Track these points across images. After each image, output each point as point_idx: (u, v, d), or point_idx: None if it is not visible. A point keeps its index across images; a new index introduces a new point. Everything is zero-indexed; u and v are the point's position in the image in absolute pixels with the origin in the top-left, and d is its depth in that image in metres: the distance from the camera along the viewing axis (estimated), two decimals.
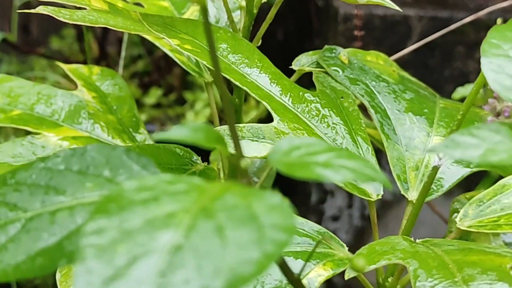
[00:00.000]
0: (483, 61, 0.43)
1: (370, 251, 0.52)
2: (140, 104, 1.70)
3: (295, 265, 0.55)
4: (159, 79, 1.71)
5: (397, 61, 1.52)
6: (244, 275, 0.29)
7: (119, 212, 0.31)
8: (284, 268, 0.41)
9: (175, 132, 0.35)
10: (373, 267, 0.51)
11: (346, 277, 0.51)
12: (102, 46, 1.73)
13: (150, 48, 1.75)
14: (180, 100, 1.68)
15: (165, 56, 1.75)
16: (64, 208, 0.39)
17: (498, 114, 0.89)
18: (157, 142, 0.74)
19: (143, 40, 1.75)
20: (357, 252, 0.52)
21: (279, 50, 1.98)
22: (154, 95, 1.64)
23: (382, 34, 1.61)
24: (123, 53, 1.18)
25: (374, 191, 0.62)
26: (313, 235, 0.57)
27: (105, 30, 1.75)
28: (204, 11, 0.38)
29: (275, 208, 0.32)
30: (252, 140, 0.60)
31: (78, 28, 1.69)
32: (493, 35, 0.45)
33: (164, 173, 0.36)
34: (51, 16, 0.68)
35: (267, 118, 0.65)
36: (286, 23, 1.79)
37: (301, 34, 1.78)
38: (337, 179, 0.35)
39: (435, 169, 0.61)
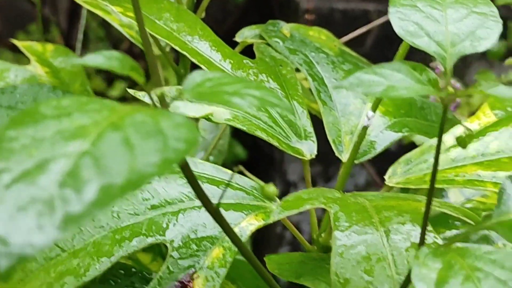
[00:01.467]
0: (391, 9, 0.46)
1: (296, 198, 0.55)
2: (105, 97, 1.73)
3: (229, 215, 0.57)
4: None
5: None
6: (144, 175, 0.32)
7: (33, 124, 0.34)
8: (204, 199, 0.43)
9: (90, 59, 0.37)
10: (295, 211, 0.53)
11: (271, 221, 0.54)
12: (67, 41, 1.75)
13: (115, 42, 1.78)
14: None
15: (130, 50, 1.77)
16: None
17: None
18: None
19: (108, 35, 1.77)
20: (283, 198, 0.55)
21: None
22: (118, 88, 1.66)
23: (342, 28, 1.64)
24: (80, 36, 1.20)
25: (308, 151, 0.65)
26: (247, 189, 0.60)
27: (71, 26, 1.78)
28: None
29: (181, 125, 0.35)
30: (191, 102, 0.63)
31: (44, 23, 1.71)
32: None
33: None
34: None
35: None
36: (250, 17, 1.82)
37: (265, 10, 1.80)
38: (243, 104, 0.38)
39: (365, 129, 0.64)
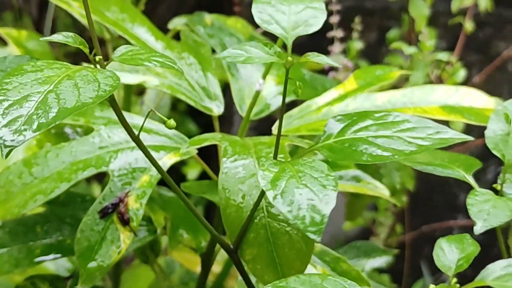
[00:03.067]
0: (253, 5, 0.69)
1: (199, 139, 0.78)
2: None
3: (155, 155, 0.80)
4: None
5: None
6: (85, 104, 0.55)
7: (20, 75, 0.56)
8: (128, 130, 0.66)
9: (54, 36, 0.60)
10: (198, 146, 0.76)
11: (181, 151, 0.77)
12: (38, 28, 1.96)
13: (80, 29, 2.00)
14: None
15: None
16: None
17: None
18: None
19: (75, 23, 1.99)
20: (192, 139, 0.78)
21: None
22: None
23: None
24: (49, 23, 1.42)
25: (216, 109, 0.88)
26: (170, 136, 0.83)
27: (41, 15, 1.99)
28: None
29: (109, 77, 0.58)
30: (131, 73, 0.86)
31: (17, 12, 1.92)
32: None
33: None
34: None
35: None
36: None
37: (211, 7, 2.03)
38: (150, 65, 0.61)
39: (257, 92, 0.87)
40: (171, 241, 0.88)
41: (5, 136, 0.52)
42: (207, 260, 0.92)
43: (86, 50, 0.62)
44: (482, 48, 1.76)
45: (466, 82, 1.36)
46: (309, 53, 0.66)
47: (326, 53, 1.18)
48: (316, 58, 0.66)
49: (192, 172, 1.92)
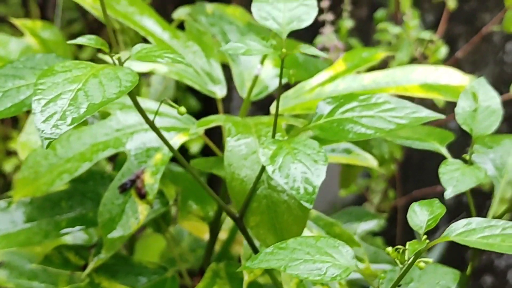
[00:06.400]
0: (253, 4, 0.78)
1: (208, 120, 0.87)
2: (76, 59, 2.04)
3: (166, 133, 0.90)
4: None
5: None
6: (110, 99, 0.64)
7: (52, 75, 0.66)
8: (144, 116, 0.76)
9: (79, 40, 0.69)
10: (206, 126, 0.86)
11: (193, 136, 0.87)
12: (43, 11, 2.05)
13: (84, 12, 2.09)
14: None
15: (96, 20, 2.08)
16: (24, 85, 0.74)
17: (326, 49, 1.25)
18: None
19: (78, 6, 2.08)
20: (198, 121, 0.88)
21: None
22: (87, 51, 1.97)
23: None
24: (58, 11, 1.51)
25: (220, 92, 0.98)
26: (179, 118, 0.93)
27: None
28: None
29: (129, 73, 0.68)
30: (141, 62, 0.95)
31: None
32: None
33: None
34: None
35: None
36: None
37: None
38: (162, 61, 0.70)
39: (256, 76, 0.97)
40: (181, 211, 0.98)
41: (45, 130, 0.62)
42: (214, 227, 1.02)
43: (107, 50, 0.71)
44: (467, 20, 1.84)
45: (452, 55, 1.46)
46: (301, 45, 0.75)
47: (318, 33, 1.28)
48: (307, 50, 0.75)
49: (194, 146, 2.02)
